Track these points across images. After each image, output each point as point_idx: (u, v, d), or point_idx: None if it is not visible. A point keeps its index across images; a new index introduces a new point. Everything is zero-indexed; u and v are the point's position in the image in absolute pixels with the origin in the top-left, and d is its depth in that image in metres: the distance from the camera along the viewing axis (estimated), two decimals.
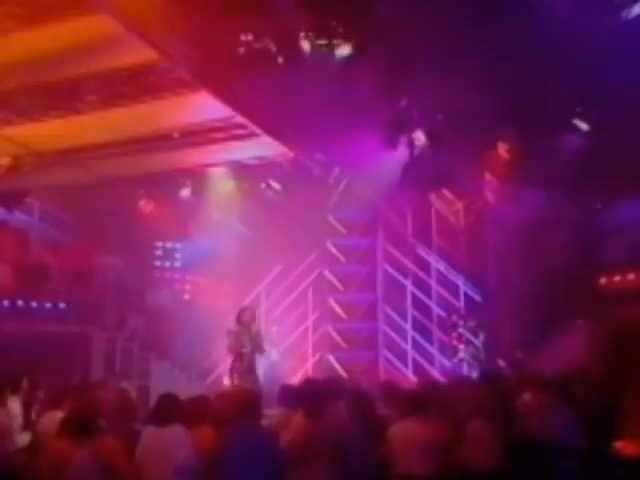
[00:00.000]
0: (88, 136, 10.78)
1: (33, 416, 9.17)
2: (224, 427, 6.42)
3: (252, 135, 10.28)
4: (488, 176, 14.32)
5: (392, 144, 11.07)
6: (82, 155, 11.61)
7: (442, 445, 6.56)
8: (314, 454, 6.48)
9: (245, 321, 10.35)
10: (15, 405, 8.32)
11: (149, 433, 6.54)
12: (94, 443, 6.08)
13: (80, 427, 6.25)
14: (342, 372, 14.90)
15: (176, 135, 10.51)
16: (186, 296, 15.62)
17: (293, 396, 7.07)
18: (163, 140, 10.81)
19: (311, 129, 9.55)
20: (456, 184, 14.08)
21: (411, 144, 11.44)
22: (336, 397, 7.16)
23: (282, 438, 6.41)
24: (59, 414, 7.58)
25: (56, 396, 8.33)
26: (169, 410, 6.50)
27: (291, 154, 11.57)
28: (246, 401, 6.43)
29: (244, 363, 10.16)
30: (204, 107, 9.17)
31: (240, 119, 9.58)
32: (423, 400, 6.81)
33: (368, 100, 9.10)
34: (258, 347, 10.29)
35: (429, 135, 11.87)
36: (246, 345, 10.20)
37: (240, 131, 10.14)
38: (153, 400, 11.81)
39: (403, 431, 6.62)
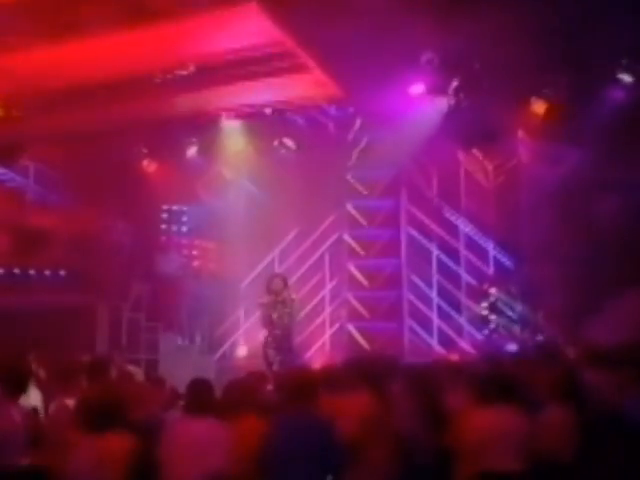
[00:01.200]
0: (96, 67, 9.17)
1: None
2: (272, 416, 5.63)
3: (301, 69, 8.85)
4: (521, 133, 13.58)
5: (437, 90, 10.15)
6: (87, 94, 10.16)
7: (530, 437, 5.71)
8: (374, 445, 5.66)
9: (276, 289, 9.56)
10: (33, 392, 7.38)
11: (177, 424, 5.76)
12: (106, 440, 5.27)
13: (93, 420, 5.41)
14: (363, 343, 14.29)
15: (205, 67, 8.86)
16: (195, 262, 14.93)
17: (347, 375, 6.31)
18: (191, 74, 9.27)
19: (353, 72, 8.44)
20: (491, 141, 13.24)
21: (457, 93, 10.53)
22: (391, 377, 6.38)
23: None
24: (69, 401, 6.79)
25: (62, 377, 7.42)
26: (207, 400, 5.69)
27: (341, 95, 10.22)
28: (300, 384, 5.47)
29: (277, 334, 9.33)
30: (249, 28, 7.64)
31: (292, 46, 8.14)
32: (508, 384, 5.90)
33: (412, 43, 8.11)
34: (292, 316, 9.47)
35: (467, 85, 11.15)
36: (279, 314, 9.36)
37: (288, 63, 8.72)
38: (162, 375, 11.55)
39: (491, 421, 5.73)
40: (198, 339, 13.69)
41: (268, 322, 9.61)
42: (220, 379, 12.08)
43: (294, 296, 9.95)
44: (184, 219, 15.25)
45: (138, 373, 8.57)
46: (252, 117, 13.31)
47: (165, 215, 15.21)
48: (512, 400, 5.86)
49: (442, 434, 5.94)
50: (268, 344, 9.60)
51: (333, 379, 6.39)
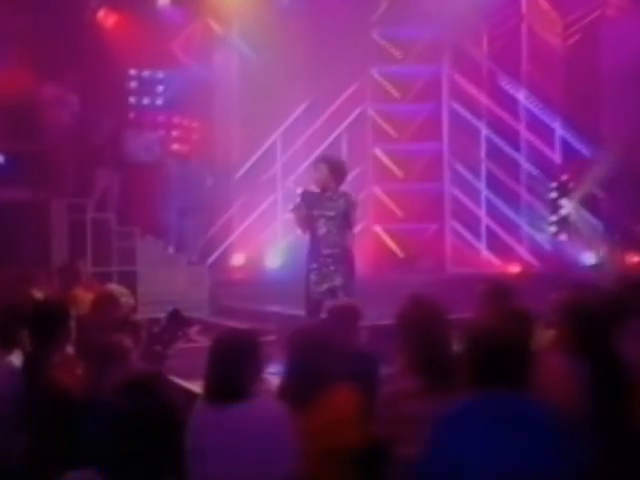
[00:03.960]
0: None
1: None
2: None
3: None
4: None
5: None
6: None
7: None
8: None
9: (321, 182, 7.41)
10: None
11: (206, 419, 3.96)
12: None
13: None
14: (395, 249, 13.08)
15: None
16: (175, 146, 13.22)
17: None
18: None
19: None
20: None
21: None
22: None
23: None
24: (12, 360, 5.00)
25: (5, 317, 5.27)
26: (244, 373, 3.90)
27: None
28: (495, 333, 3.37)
29: (330, 243, 7.31)
30: None
31: None
32: None
33: None
34: (348, 219, 7.45)
35: None
36: (329, 216, 7.33)
37: None
38: (142, 291, 10.45)
39: None
40: (187, 245, 12.10)
41: (310, 228, 7.45)
42: (217, 298, 10.95)
43: (348, 190, 7.86)
44: (159, 89, 13.48)
45: (125, 294, 6.59)
46: None
47: (133, 84, 13.37)
48: None
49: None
50: (312, 265, 7.39)
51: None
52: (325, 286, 7.30)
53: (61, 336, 4.94)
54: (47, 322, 4.93)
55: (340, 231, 7.45)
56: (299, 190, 7.93)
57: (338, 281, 7.30)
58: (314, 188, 7.56)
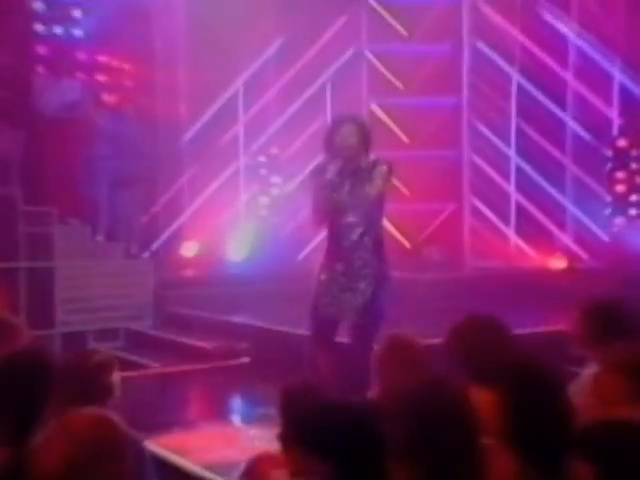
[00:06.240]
0: None
1: None
2: None
3: None
4: None
5: None
6: None
7: None
8: None
9: (343, 145, 6.09)
10: None
11: None
12: None
13: None
14: (399, 237, 12.45)
15: None
16: (105, 96, 11.66)
17: None
18: None
19: None
20: None
21: None
22: None
23: None
24: None
25: None
26: None
27: None
28: None
29: (353, 234, 6.11)
30: None
31: None
32: None
33: None
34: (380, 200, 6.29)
35: None
36: (356, 196, 6.13)
37: None
38: (62, 296, 9.82)
39: None
40: (121, 232, 10.97)
41: (329, 205, 6.18)
42: (165, 303, 10.01)
43: (383, 165, 6.19)
44: (76, 15, 11.87)
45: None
46: None
47: (38, 5, 11.72)
48: None
49: None
50: (329, 258, 6.17)
51: None
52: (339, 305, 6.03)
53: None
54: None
55: (375, 232, 6.22)
56: (316, 167, 6.55)
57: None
58: (332, 160, 6.11)
